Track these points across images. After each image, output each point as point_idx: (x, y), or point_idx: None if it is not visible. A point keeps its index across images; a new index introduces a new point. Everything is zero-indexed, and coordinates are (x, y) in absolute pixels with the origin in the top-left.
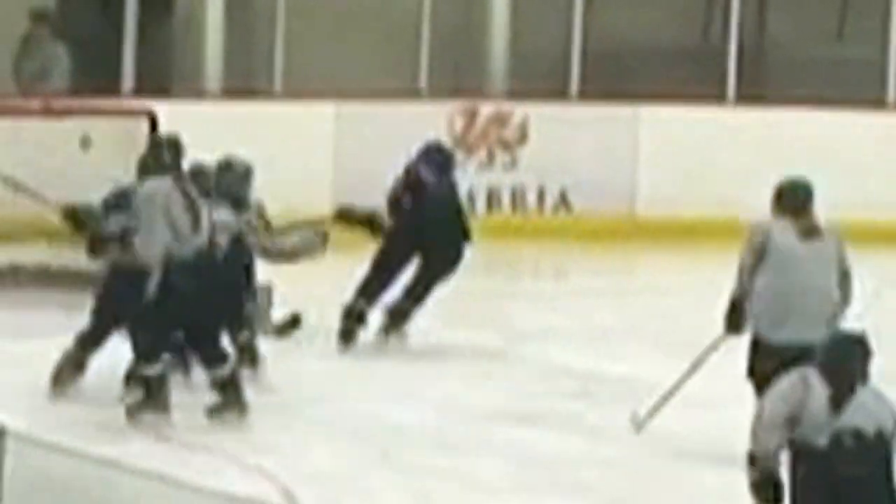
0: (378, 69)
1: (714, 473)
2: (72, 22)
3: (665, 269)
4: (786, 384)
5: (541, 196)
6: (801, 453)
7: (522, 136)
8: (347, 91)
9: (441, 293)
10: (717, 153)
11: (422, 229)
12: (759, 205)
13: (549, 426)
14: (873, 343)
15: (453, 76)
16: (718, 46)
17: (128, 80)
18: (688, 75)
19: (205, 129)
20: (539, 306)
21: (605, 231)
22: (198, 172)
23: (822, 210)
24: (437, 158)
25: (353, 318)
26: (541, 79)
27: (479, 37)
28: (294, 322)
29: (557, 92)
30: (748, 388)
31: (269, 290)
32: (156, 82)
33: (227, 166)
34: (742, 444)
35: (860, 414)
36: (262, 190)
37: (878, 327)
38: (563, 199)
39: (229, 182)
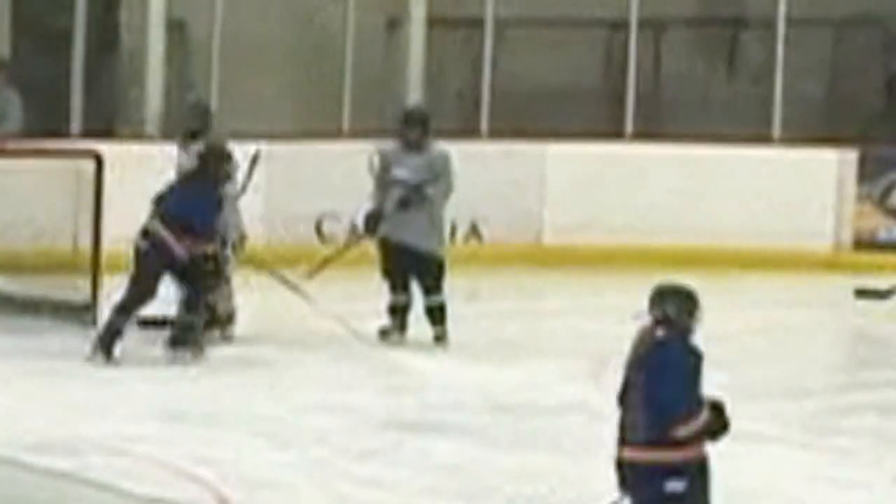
0: (304, 111)
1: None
2: (24, 69)
3: (569, 293)
4: None
5: (453, 228)
6: None
7: None
8: (276, 132)
9: None
10: (616, 186)
11: None
12: (655, 233)
13: (457, 435)
14: None
15: (374, 117)
16: (618, 87)
17: (76, 122)
18: (589, 114)
19: (147, 167)
20: (452, 325)
21: (515, 258)
22: None
23: (712, 237)
24: None
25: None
26: (454, 118)
27: (398, 80)
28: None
29: (469, 130)
30: None
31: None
32: (101, 124)
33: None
34: None
35: None
36: None
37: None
38: (474, 230)
39: None
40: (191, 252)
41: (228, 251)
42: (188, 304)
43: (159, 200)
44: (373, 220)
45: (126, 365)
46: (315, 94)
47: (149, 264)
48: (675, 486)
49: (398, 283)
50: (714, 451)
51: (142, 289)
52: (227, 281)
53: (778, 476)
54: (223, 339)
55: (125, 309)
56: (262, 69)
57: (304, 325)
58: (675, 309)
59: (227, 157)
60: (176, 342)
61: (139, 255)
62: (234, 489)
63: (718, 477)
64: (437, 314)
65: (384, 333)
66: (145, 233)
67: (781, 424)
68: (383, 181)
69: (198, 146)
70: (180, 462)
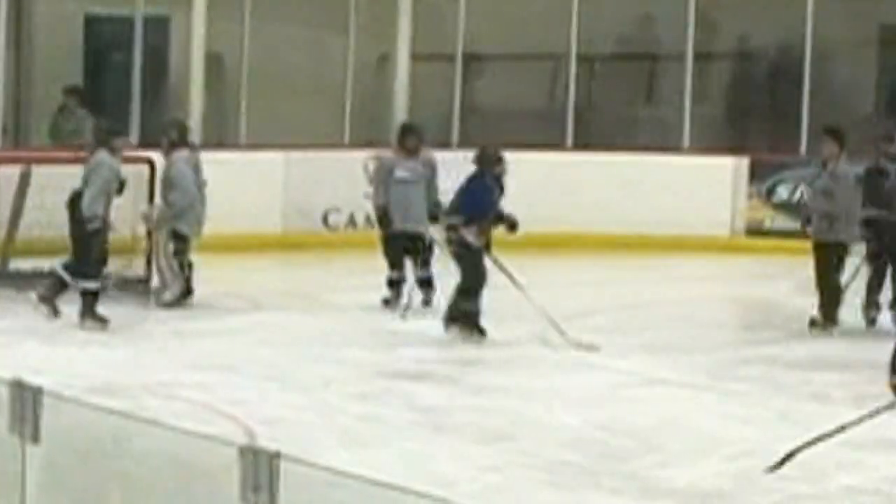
0: (313, 125)
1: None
2: (95, 94)
3: (524, 272)
4: None
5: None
6: None
7: None
8: (292, 143)
9: None
10: (560, 186)
11: None
12: (591, 224)
13: (434, 382)
14: None
15: (368, 130)
16: (560, 107)
17: (134, 136)
18: (538, 129)
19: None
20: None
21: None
22: None
23: (636, 227)
24: None
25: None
26: (431, 132)
27: (387, 100)
28: None
29: (443, 142)
30: None
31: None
32: (154, 137)
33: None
34: None
35: None
36: (230, 213)
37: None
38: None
39: None
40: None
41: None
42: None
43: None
44: (386, 216)
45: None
46: (322, 114)
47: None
48: None
49: (396, 262)
50: (626, 393)
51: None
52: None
53: (682, 413)
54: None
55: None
56: (282, 94)
57: (315, 296)
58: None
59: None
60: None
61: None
62: (258, 424)
63: (629, 416)
64: (425, 284)
65: (386, 302)
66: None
67: (687, 372)
68: (386, 182)
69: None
70: (216, 404)
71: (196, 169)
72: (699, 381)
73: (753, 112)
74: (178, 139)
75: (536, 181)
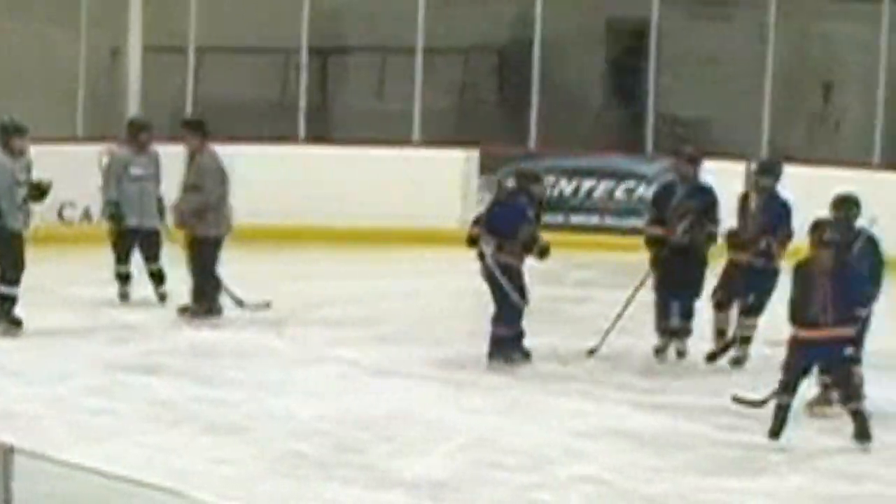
0: (46, 120)
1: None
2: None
3: (257, 263)
4: None
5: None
6: None
7: None
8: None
9: None
10: (293, 179)
11: None
12: (324, 216)
13: (170, 375)
14: None
15: (102, 124)
16: (293, 101)
17: None
18: (272, 121)
19: None
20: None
21: None
22: None
23: (370, 220)
24: None
25: None
26: (164, 127)
27: (120, 94)
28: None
29: (177, 136)
30: None
31: None
32: None
33: None
34: None
35: None
36: None
37: None
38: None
39: None
40: None
41: None
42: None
43: None
44: (118, 211)
45: None
46: (55, 108)
47: None
48: None
49: (125, 256)
50: (359, 385)
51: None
52: None
53: (414, 404)
54: None
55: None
56: (12, 89)
57: (49, 289)
58: None
59: None
60: None
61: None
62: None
63: (362, 407)
64: (157, 277)
65: (123, 296)
66: None
67: (419, 364)
68: (119, 177)
69: None
70: None
71: None
72: (431, 372)
73: (484, 105)
74: None
75: (269, 174)
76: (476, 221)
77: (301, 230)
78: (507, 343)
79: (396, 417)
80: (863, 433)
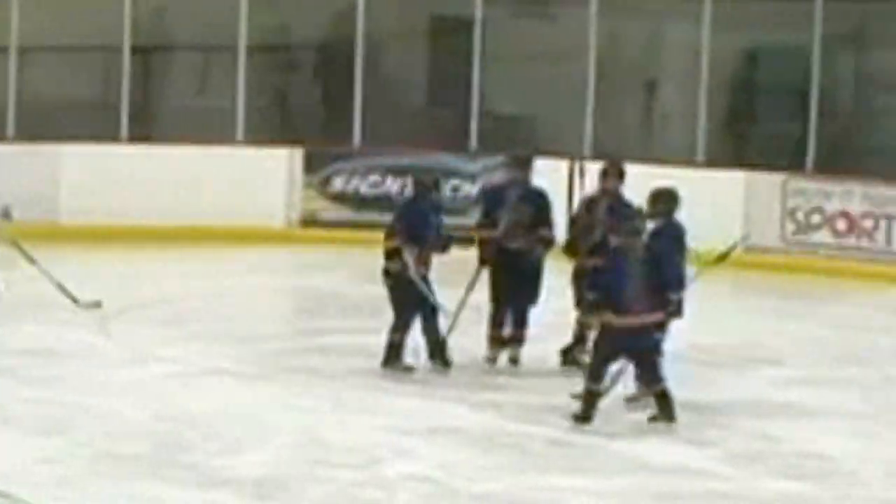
0: None
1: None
2: None
3: (80, 262)
4: None
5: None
6: None
7: None
8: None
9: None
10: (115, 178)
11: None
12: (148, 215)
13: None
14: None
15: None
16: (116, 100)
17: None
18: (94, 120)
19: None
20: None
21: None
22: None
23: (193, 219)
24: None
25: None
26: None
27: None
28: None
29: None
30: None
31: None
32: None
33: None
34: None
35: None
36: None
37: None
38: (6, 214)
39: None
40: None
41: None
42: None
43: None
44: None
45: None
46: None
47: None
48: None
49: None
50: (184, 384)
51: None
52: None
53: (240, 403)
54: None
55: None
56: None
57: None
58: None
59: None
60: None
61: None
62: None
63: (188, 406)
64: None
65: None
66: None
67: (244, 362)
68: None
69: None
70: None
71: None
72: (256, 370)
73: (307, 103)
74: None
75: (91, 173)
76: (388, 235)
77: (127, 229)
78: (400, 350)
79: (223, 416)
80: (669, 414)
